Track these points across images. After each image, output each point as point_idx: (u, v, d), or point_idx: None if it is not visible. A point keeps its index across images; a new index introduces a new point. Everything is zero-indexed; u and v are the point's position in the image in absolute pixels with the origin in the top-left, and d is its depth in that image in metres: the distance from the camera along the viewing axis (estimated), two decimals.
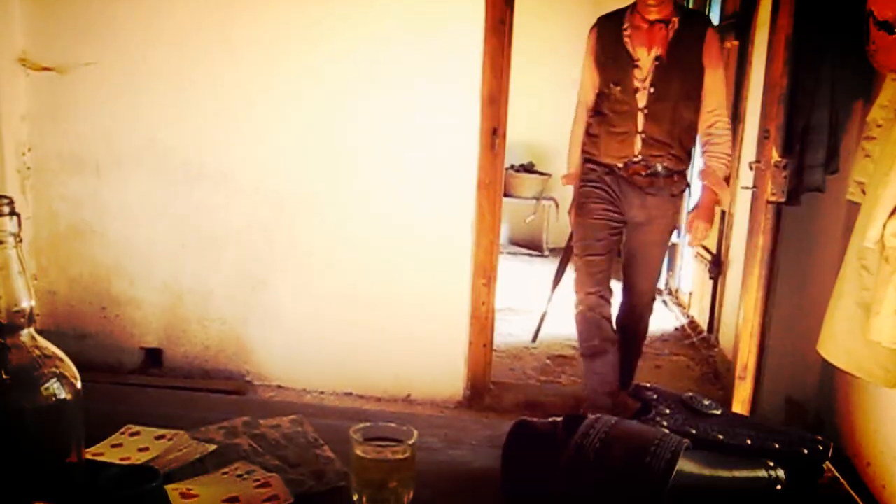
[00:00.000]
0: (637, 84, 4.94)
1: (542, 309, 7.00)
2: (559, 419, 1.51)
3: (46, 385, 1.26)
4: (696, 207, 5.12)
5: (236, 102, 5.56)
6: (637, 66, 4.94)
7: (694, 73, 4.90)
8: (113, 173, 5.70)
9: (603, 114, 5.08)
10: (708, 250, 7.59)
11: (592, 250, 5.24)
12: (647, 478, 1.26)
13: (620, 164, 5.04)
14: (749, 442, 1.46)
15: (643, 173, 5.02)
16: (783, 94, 4.45)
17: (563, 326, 7.44)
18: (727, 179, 5.16)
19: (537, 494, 1.36)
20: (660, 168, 5.01)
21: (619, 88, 4.98)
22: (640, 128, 4.96)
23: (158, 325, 5.90)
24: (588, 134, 5.19)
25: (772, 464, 1.38)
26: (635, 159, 5.00)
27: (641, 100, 4.93)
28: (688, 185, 5.28)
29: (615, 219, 5.15)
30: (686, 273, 9.01)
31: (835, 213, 4.92)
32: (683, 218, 5.58)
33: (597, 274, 5.28)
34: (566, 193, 10.44)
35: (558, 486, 1.31)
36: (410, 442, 1.48)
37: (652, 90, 4.91)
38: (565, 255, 6.41)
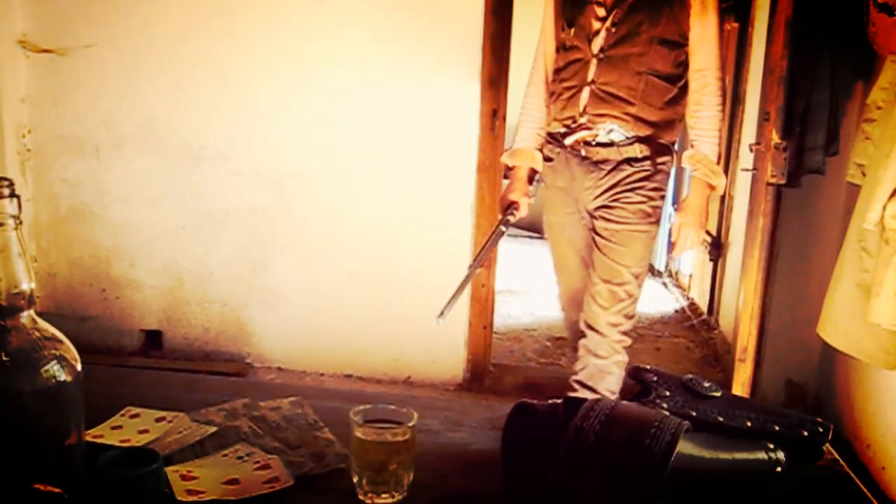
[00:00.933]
0: (595, 24, 3.96)
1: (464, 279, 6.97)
2: (559, 401, 1.51)
3: (46, 367, 1.26)
4: (683, 208, 4.05)
5: (236, 84, 5.55)
6: (597, 1, 3.96)
7: (673, 15, 3.89)
8: (113, 155, 5.70)
9: (558, 71, 4.13)
10: (708, 232, 7.58)
11: (564, 275, 4.45)
12: (647, 459, 1.26)
13: (562, 130, 4.05)
14: (749, 424, 1.46)
15: (591, 142, 3.97)
16: (783, 76, 4.43)
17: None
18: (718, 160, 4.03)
19: (538, 476, 1.36)
20: (612, 132, 3.93)
21: (573, 30, 4.03)
22: (589, 77, 3.96)
23: (158, 307, 5.90)
24: (548, 105, 4.20)
25: (772, 446, 1.38)
26: (580, 120, 3.97)
27: (597, 43, 3.95)
28: (665, 175, 4.09)
29: (579, 219, 4.22)
30: (686, 255, 9.00)
31: (835, 195, 4.92)
32: (664, 222, 4.86)
33: (576, 297, 4.34)
34: None
35: (558, 468, 1.31)
36: (410, 424, 1.48)
37: (612, 30, 3.91)
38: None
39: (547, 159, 4.21)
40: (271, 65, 5.50)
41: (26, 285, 1.25)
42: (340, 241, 5.60)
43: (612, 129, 3.93)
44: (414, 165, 5.50)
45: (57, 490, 1.31)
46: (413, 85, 5.42)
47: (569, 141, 4.02)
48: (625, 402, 1.47)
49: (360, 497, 1.47)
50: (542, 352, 6.53)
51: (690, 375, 1.64)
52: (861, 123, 4.24)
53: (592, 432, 1.29)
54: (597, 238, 4.11)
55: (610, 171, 4.00)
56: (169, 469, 1.45)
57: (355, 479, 1.47)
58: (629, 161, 3.97)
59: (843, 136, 4.72)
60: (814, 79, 4.58)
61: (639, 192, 4.00)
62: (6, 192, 1.22)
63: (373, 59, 5.42)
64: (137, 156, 5.68)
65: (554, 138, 4.12)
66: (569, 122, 4.01)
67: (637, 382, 1.66)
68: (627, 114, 3.91)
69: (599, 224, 4.08)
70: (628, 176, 3.99)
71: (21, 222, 1.25)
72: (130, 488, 1.26)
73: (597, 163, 4.01)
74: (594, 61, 3.94)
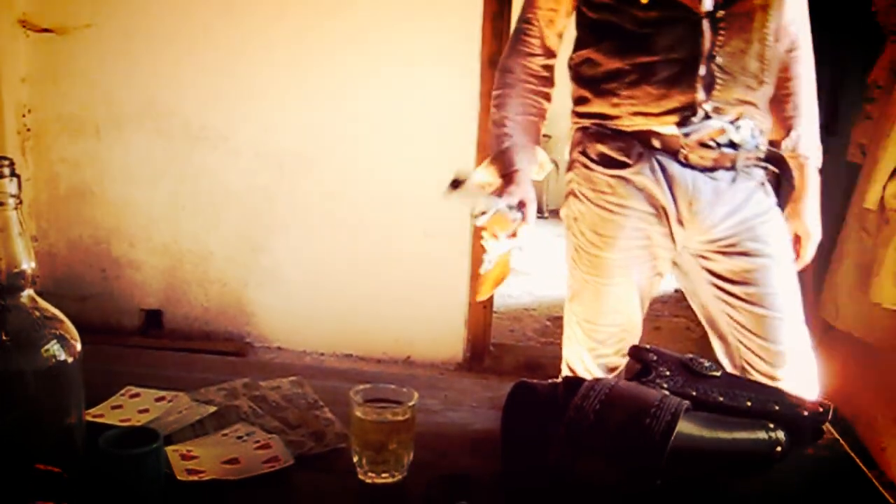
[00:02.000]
0: None
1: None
2: (559, 381, 1.51)
3: (47, 347, 1.26)
4: (802, 209, 3.07)
5: (236, 64, 5.54)
6: None
7: None
8: (113, 135, 5.69)
9: (612, 35, 2.66)
10: None
11: (613, 317, 2.93)
12: (647, 439, 1.26)
13: (669, 133, 2.63)
14: (749, 404, 1.46)
15: (717, 142, 2.63)
16: None
17: (562, 288, 7.45)
18: None
19: (538, 456, 1.36)
20: (741, 127, 2.64)
21: None
22: (706, 46, 2.56)
23: (158, 287, 5.90)
24: (581, 80, 2.80)
25: (772, 426, 1.39)
26: (704, 108, 2.59)
27: None
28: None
29: (649, 258, 2.81)
30: None
31: (835, 175, 4.91)
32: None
33: (627, 339, 2.98)
34: (565, 155, 10.33)
35: (558, 447, 1.32)
36: (410, 403, 1.48)
37: None
38: None
39: (611, 163, 2.73)
40: (271, 45, 5.49)
41: (26, 265, 1.25)
42: (340, 221, 5.60)
43: (741, 123, 2.65)
44: (414, 146, 5.50)
45: (57, 470, 1.31)
46: (413, 65, 5.41)
47: (691, 139, 2.62)
48: (624, 381, 1.47)
49: (360, 476, 1.47)
50: (541, 331, 6.54)
51: (690, 355, 1.64)
52: (862, 102, 4.23)
53: (592, 411, 1.30)
54: (725, 285, 2.78)
55: (736, 182, 2.70)
56: (169, 448, 1.45)
57: (355, 459, 1.47)
58: (758, 166, 2.77)
59: (843, 115, 4.71)
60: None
61: (774, 207, 2.83)
62: (6, 171, 1.22)
63: (373, 40, 5.41)
64: (137, 136, 5.68)
65: (636, 137, 2.68)
66: (681, 113, 2.62)
67: (637, 362, 1.66)
68: (757, 109, 2.70)
69: (726, 263, 2.76)
70: (760, 186, 2.79)
71: (21, 202, 1.25)
72: (130, 468, 1.26)
73: (712, 170, 2.67)
74: (706, 23, 2.55)
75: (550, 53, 2.86)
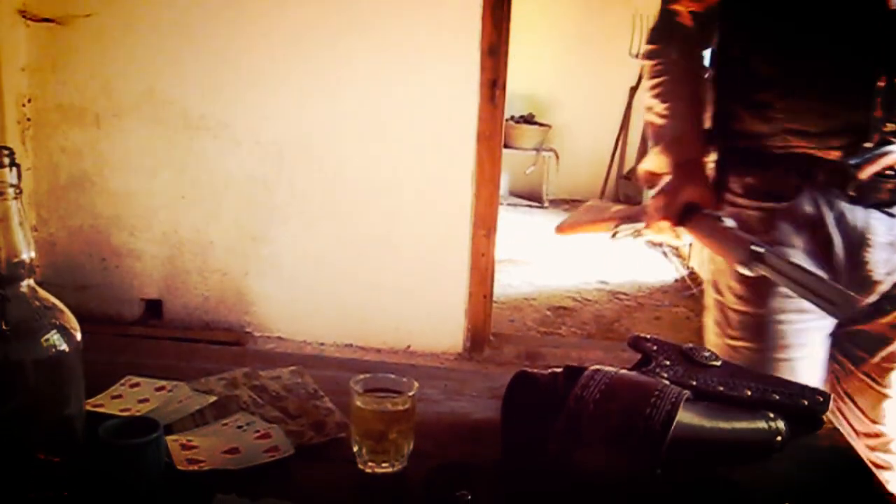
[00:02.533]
0: None
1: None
2: (559, 370, 1.51)
3: (46, 336, 1.26)
4: None
5: (236, 53, 5.53)
6: None
7: None
8: (113, 124, 5.69)
9: (768, 33, 2.21)
10: None
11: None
12: (646, 429, 1.27)
13: (834, 160, 2.13)
14: (749, 393, 1.46)
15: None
16: None
17: (562, 278, 7.45)
18: None
19: (538, 446, 1.36)
20: None
21: None
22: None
23: (158, 277, 5.90)
24: (725, 88, 2.37)
25: (772, 415, 1.39)
26: (882, 134, 2.09)
27: None
28: None
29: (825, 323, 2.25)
30: None
31: None
32: None
33: None
34: (565, 145, 10.26)
35: (558, 436, 1.32)
36: (410, 393, 1.48)
37: None
38: None
39: (764, 195, 2.24)
40: (271, 34, 5.49)
41: (26, 254, 1.25)
42: (340, 210, 5.59)
43: None
44: (414, 135, 5.49)
45: (57, 459, 1.31)
46: (413, 54, 5.41)
47: (864, 171, 2.10)
48: (625, 371, 1.47)
49: (360, 466, 1.48)
50: (541, 321, 6.54)
51: (690, 345, 1.64)
52: None
53: (592, 401, 1.30)
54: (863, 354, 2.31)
55: None
56: (169, 438, 1.45)
57: (355, 449, 1.47)
58: None
59: None
60: None
61: None
62: (6, 161, 1.22)
63: (373, 28, 5.40)
64: (137, 125, 5.67)
65: (792, 164, 2.19)
66: (851, 136, 2.12)
67: (637, 352, 1.66)
68: None
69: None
70: None
71: (21, 191, 1.25)
72: (131, 457, 1.26)
73: (889, 204, 2.16)
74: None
75: (704, 40, 2.41)
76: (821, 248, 2.16)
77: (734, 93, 2.31)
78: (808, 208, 2.16)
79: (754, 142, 2.24)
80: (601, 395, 1.31)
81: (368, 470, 1.47)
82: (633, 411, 1.28)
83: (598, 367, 1.37)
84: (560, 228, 2.61)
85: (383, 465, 1.46)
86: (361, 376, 1.52)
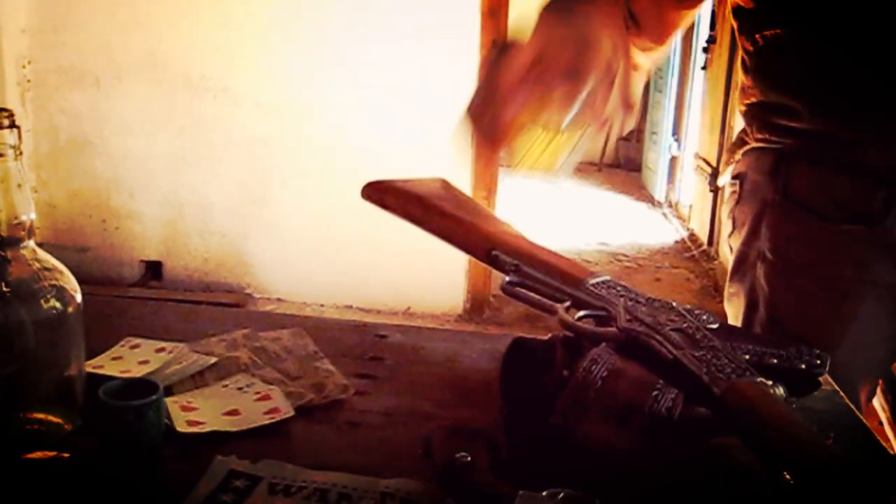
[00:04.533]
0: None
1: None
2: (557, 335, 1.51)
3: (46, 298, 1.26)
4: None
5: (236, 14, 5.52)
6: None
7: None
8: (113, 86, 5.69)
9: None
10: (708, 163, 7.57)
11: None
12: (652, 409, 1.26)
13: None
14: (747, 357, 1.46)
15: None
16: None
17: (562, 240, 7.45)
18: None
19: (538, 415, 1.36)
20: None
21: None
22: None
23: (158, 238, 5.91)
24: (777, 77, 1.89)
25: (770, 382, 1.39)
26: None
27: None
28: None
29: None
30: (686, 186, 9.00)
31: None
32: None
33: None
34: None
35: (561, 408, 1.32)
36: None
37: None
38: None
39: (839, 211, 1.80)
40: None
41: (26, 216, 1.25)
42: (341, 171, 5.59)
43: None
44: (414, 97, 5.49)
45: (57, 420, 1.31)
46: (413, 15, 5.40)
47: None
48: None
49: None
50: None
51: (689, 306, 1.64)
52: None
53: (601, 377, 1.30)
54: None
55: None
56: (169, 400, 1.45)
57: None
58: None
59: None
60: None
61: None
62: (6, 122, 1.21)
63: None
64: (137, 87, 5.67)
65: (879, 172, 1.74)
66: None
67: None
68: None
69: None
70: None
71: (21, 153, 1.24)
72: (131, 419, 1.26)
73: None
74: None
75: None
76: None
77: (788, 85, 1.85)
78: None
79: (826, 145, 1.79)
80: (609, 372, 1.31)
81: None
82: (641, 390, 1.28)
83: (604, 346, 1.36)
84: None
85: None
86: None
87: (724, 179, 2.05)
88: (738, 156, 2.01)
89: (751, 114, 1.97)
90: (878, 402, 2.02)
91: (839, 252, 1.78)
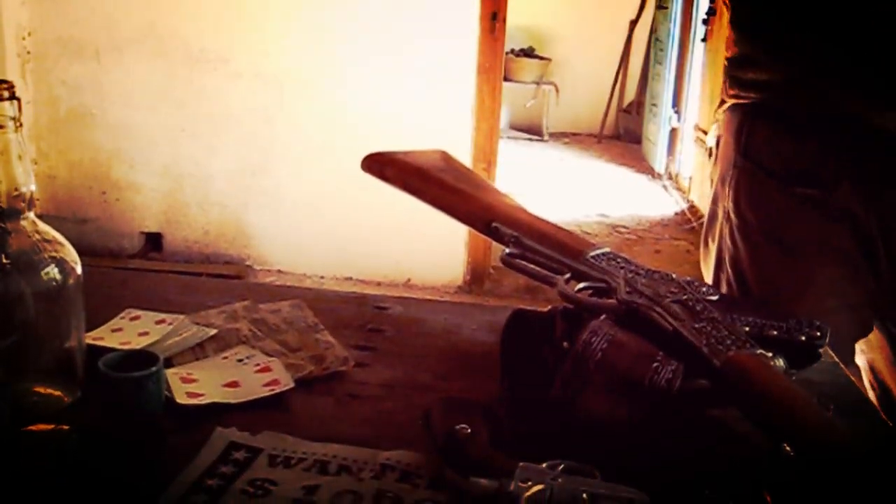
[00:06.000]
0: None
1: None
2: (557, 308, 1.51)
3: (46, 269, 1.26)
4: None
5: None
6: None
7: None
8: (113, 58, 5.68)
9: None
10: (706, 133, 7.56)
11: None
12: (652, 382, 1.26)
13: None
14: (747, 329, 1.46)
15: None
16: None
17: (562, 211, 7.45)
18: None
19: (538, 387, 1.36)
20: None
21: None
22: None
23: (158, 210, 5.91)
24: (744, 22, 1.89)
25: (770, 354, 1.38)
26: None
27: None
28: None
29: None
30: (686, 157, 8.99)
31: None
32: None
33: None
34: (565, 78, 10.22)
35: (561, 380, 1.32)
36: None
37: None
38: None
39: (796, 176, 1.80)
40: None
41: (26, 188, 1.25)
42: (341, 143, 5.58)
43: None
44: (414, 68, 5.48)
45: (57, 392, 1.31)
46: None
47: None
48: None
49: None
50: None
51: (689, 278, 1.64)
52: None
53: (601, 349, 1.30)
54: None
55: None
56: (169, 371, 1.46)
57: None
58: None
59: None
60: None
61: None
62: (6, 94, 1.21)
63: None
64: (137, 58, 5.66)
65: (838, 133, 1.74)
66: None
67: None
68: None
69: None
70: None
71: (21, 125, 1.24)
72: (131, 390, 1.26)
73: None
74: None
75: None
76: (863, 246, 1.79)
77: (752, 30, 1.85)
78: (851, 192, 1.75)
79: (783, 98, 1.77)
80: (609, 344, 1.31)
81: None
82: (641, 362, 1.28)
83: (604, 318, 1.36)
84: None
85: None
86: None
87: (710, 140, 2.06)
88: (718, 115, 1.99)
89: (725, 70, 1.95)
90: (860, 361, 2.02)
91: (795, 216, 1.80)
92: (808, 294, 1.76)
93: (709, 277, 2.00)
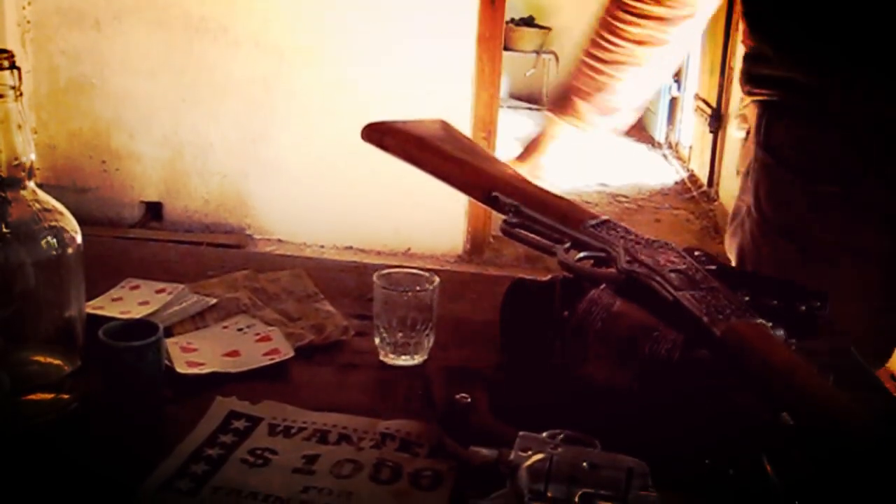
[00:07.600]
0: None
1: None
2: (559, 276, 1.51)
3: (46, 239, 1.26)
4: None
5: None
6: None
7: None
8: (113, 27, 5.66)
9: None
10: (708, 104, 7.55)
11: None
12: (652, 351, 1.26)
13: None
14: (747, 299, 1.46)
15: None
16: None
17: (562, 181, 7.43)
18: None
19: (539, 356, 1.36)
20: None
21: None
22: None
23: (158, 179, 5.90)
24: (760, 20, 1.85)
25: (770, 323, 1.38)
26: None
27: None
28: None
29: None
30: (686, 126, 8.98)
31: None
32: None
33: None
34: (565, 47, 10.21)
35: (561, 349, 1.32)
36: (432, 286, 1.50)
37: None
38: None
39: (822, 173, 1.74)
40: None
41: (26, 157, 1.25)
42: (341, 112, 5.58)
43: None
44: (414, 37, 5.47)
45: (57, 362, 1.32)
46: None
47: None
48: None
49: (381, 357, 1.49)
50: None
51: (689, 247, 1.63)
52: None
53: (601, 319, 1.30)
54: None
55: None
56: (169, 341, 1.46)
57: (377, 341, 1.49)
58: None
59: None
60: None
61: None
62: (6, 63, 1.21)
63: None
64: (137, 27, 5.64)
65: (861, 132, 1.69)
66: None
67: None
68: None
69: None
70: None
71: (21, 94, 1.24)
72: (131, 360, 1.26)
73: None
74: None
75: None
76: (892, 245, 1.73)
77: (766, 29, 1.82)
78: (882, 188, 1.69)
79: (805, 99, 1.72)
80: (609, 314, 1.31)
81: (389, 361, 1.49)
82: (640, 332, 1.28)
83: (604, 287, 1.36)
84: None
85: (403, 357, 1.48)
86: (386, 271, 1.54)
87: (737, 133, 2.06)
88: (742, 107, 2.00)
89: (742, 65, 1.91)
90: None
91: (816, 215, 1.74)
92: (831, 299, 1.54)
93: None
